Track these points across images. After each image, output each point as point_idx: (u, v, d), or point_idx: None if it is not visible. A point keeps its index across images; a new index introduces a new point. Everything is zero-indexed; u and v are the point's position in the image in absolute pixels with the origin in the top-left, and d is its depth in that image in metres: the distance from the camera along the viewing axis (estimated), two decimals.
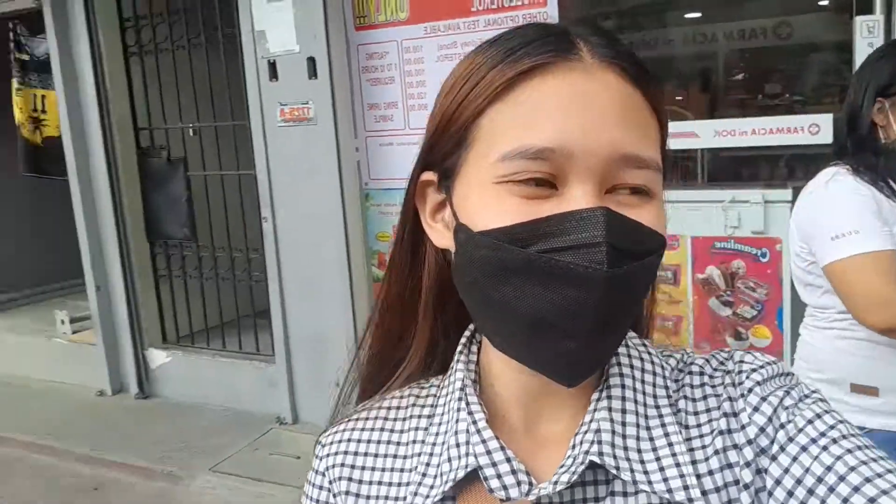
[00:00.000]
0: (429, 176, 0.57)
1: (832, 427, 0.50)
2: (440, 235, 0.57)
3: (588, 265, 0.46)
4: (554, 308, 0.47)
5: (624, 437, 0.52)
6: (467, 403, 0.56)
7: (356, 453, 0.61)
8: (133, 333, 4.29)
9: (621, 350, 0.56)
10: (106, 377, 4.34)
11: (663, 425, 0.54)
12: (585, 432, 0.53)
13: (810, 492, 0.47)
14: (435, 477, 0.56)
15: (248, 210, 3.90)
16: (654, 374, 0.57)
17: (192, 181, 4.09)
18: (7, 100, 4.53)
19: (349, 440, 0.62)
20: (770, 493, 0.50)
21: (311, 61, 3.30)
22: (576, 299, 0.46)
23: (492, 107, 0.51)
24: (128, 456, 3.51)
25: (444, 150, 0.55)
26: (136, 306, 4.28)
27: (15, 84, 4.45)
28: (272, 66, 3.42)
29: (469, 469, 0.53)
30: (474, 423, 0.55)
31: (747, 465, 0.51)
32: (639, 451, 0.52)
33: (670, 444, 0.53)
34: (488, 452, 0.53)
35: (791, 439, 0.50)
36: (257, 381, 3.94)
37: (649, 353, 0.58)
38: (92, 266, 4.27)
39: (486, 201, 0.50)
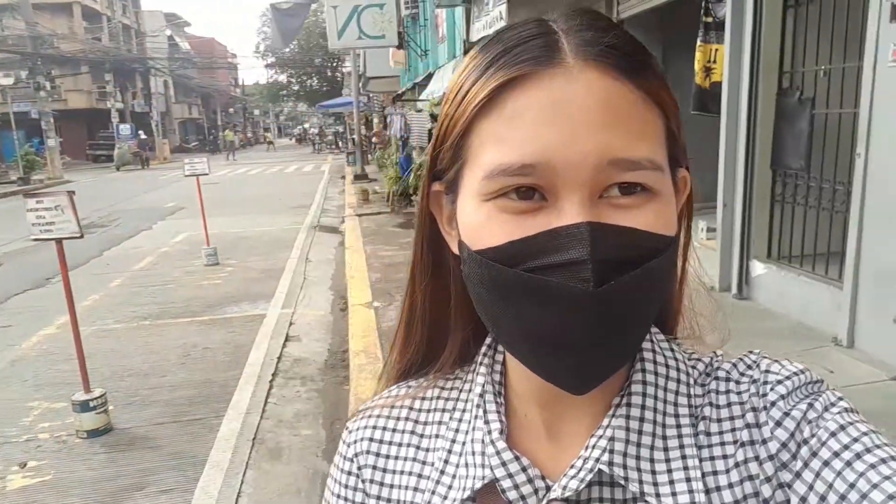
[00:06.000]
0: (438, 187, 0.56)
1: (856, 440, 0.48)
2: (456, 244, 0.56)
3: (575, 284, 0.45)
4: (549, 326, 0.47)
5: (638, 445, 0.52)
6: (485, 412, 0.57)
7: (381, 441, 0.62)
8: (743, 245, 5.17)
9: (647, 355, 0.55)
10: (717, 277, 5.31)
11: (680, 436, 0.53)
12: (600, 437, 0.53)
13: None
14: (453, 477, 0.57)
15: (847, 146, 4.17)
16: (678, 381, 0.56)
17: (815, 118, 4.56)
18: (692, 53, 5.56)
19: (375, 427, 0.63)
20: None
21: None
22: (568, 317, 0.46)
23: (477, 122, 0.50)
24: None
25: (444, 163, 0.54)
26: (750, 223, 5.13)
27: (698, 41, 5.50)
28: (894, 8, 3.54)
29: (486, 481, 0.54)
30: (489, 433, 0.55)
31: (767, 480, 0.50)
32: (651, 460, 0.52)
33: (684, 457, 0.52)
34: (503, 464, 0.53)
35: (814, 454, 0.48)
36: (827, 304, 4.36)
37: (675, 359, 0.57)
38: (723, 186, 5.27)
39: (479, 219, 0.50)
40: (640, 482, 0.51)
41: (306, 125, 68.69)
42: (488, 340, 0.61)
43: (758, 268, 5.17)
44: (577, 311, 0.45)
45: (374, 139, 23.93)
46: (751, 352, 0.58)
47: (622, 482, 0.51)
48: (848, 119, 4.37)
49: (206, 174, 8.66)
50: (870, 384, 3.64)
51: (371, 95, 29.04)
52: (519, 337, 0.49)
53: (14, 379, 5.23)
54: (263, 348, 5.55)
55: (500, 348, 0.60)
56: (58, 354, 5.67)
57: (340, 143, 39.20)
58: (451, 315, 0.62)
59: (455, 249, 0.56)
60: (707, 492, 0.51)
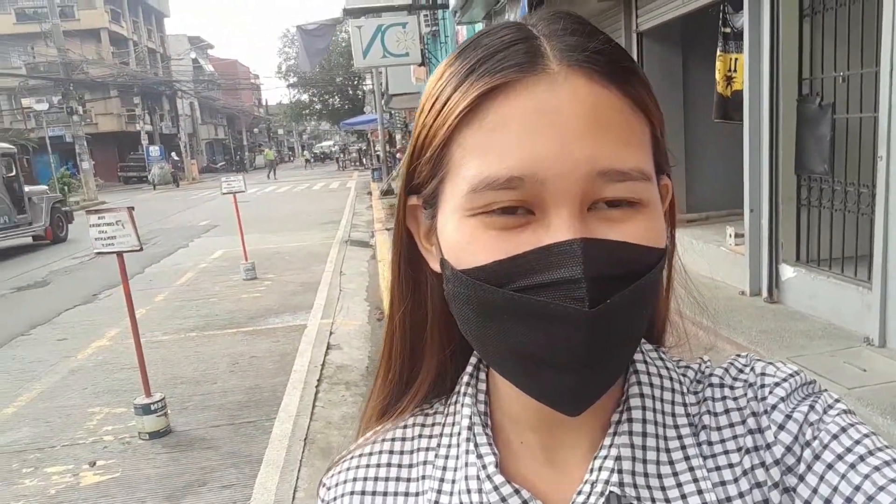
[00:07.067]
0: (415, 201, 0.53)
1: (858, 442, 0.47)
2: (435, 260, 0.53)
3: (568, 304, 0.43)
4: (541, 346, 0.44)
5: (645, 462, 0.50)
6: (476, 445, 0.54)
7: (364, 493, 0.57)
8: (771, 250, 5.21)
9: (640, 367, 0.54)
10: (747, 281, 5.40)
11: (683, 448, 0.51)
12: (605, 458, 0.50)
13: None
14: None
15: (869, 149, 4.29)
16: (674, 391, 0.54)
17: (836, 123, 4.59)
18: (712, 63, 5.89)
19: (356, 479, 0.58)
20: None
21: None
22: (561, 337, 0.44)
23: (459, 132, 0.47)
24: (735, 335, 4.48)
25: (422, 177, 0.51)
26: (777, 228, 5.17)
27: (718, 51, 5.71)
28: None
29: None
30: (484, 467, 0.52)
31: (775, 485, 0.49)
32: (659, 476, 0.50)
33: (691, 469, 0.50)
34: (503, 500, 0.51)
35: (817, 457, 0.48)
36: (857, 305, 4.36)
37: (667, 368, 0.55)
38: (749, 192, 5.31)
39: (463, 237, 0.47)
40: (653, 500, 0.49)
41: (324, 143, 70.25)
42: (469, 369, 0.58)
43: (787, 271, 5.22)
44: (571, 332, 0.43)
45: (398, 155, 24.19)
46: (739, 355, 0.57)
47: (636, 502, 0.49)
48: (868, 123, 4.41)
49: (243, 191, 8.97)
50: None
51: (393, 112, 29.40)
52: (509, 359, 0.47)
53: (74, 387, 5.54)
54: (307, 356, 5.79)
55: (483, 377, 0.57)
56: (113, 364, 5.98)
57: (364, 160, 39.60)
58: (428, 336, 0.59)
59: (434, 266, 0.53)
60: (729, 500, 0.49)
